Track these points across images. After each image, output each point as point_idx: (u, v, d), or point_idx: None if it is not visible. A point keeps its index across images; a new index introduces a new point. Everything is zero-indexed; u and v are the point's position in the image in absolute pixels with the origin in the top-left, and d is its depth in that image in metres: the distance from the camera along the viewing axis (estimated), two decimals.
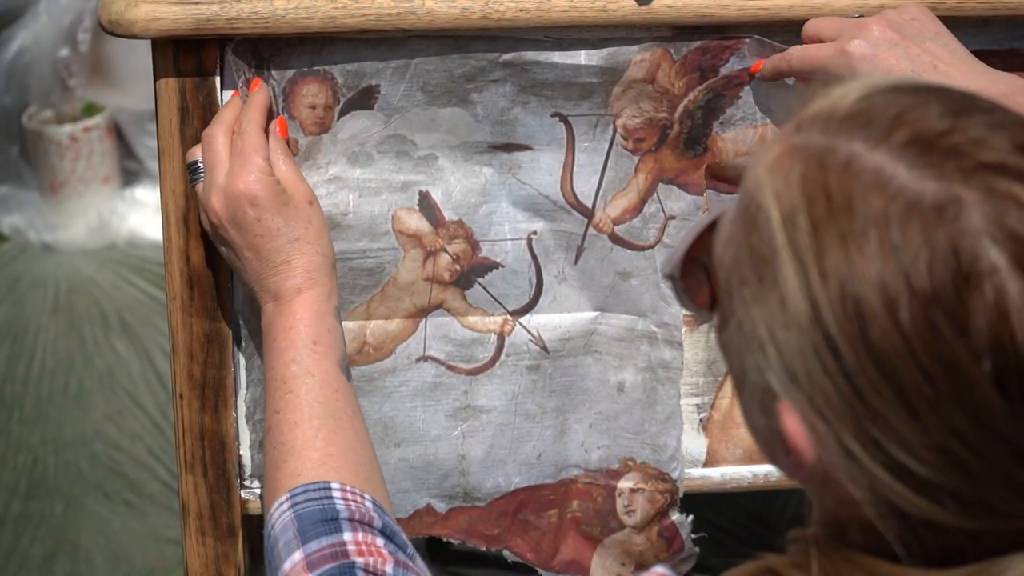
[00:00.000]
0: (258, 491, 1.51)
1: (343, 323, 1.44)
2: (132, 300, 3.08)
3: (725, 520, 2.37)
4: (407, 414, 1.52)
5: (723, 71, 1.46)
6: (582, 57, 1.44)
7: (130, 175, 3.42)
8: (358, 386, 1.49)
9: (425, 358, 1.52)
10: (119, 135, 3.40)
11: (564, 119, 1.47)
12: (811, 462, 0.94)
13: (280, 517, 1.27)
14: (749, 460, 1.57)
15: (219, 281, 1.46)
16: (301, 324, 1.36)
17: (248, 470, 1.51)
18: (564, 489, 1.55)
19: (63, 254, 3.25)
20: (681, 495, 1.56)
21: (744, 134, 1.49)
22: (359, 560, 1.22)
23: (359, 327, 1.50)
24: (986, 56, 1.42)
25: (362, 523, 1.26)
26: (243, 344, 1.49)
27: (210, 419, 1.49)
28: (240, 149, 1.38)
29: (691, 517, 1.57)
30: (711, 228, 1.01)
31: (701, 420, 1.56)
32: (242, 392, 1.49)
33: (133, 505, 2.57)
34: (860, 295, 0.89)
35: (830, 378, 0.90)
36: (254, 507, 1.52)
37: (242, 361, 1.49)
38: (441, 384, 1.52)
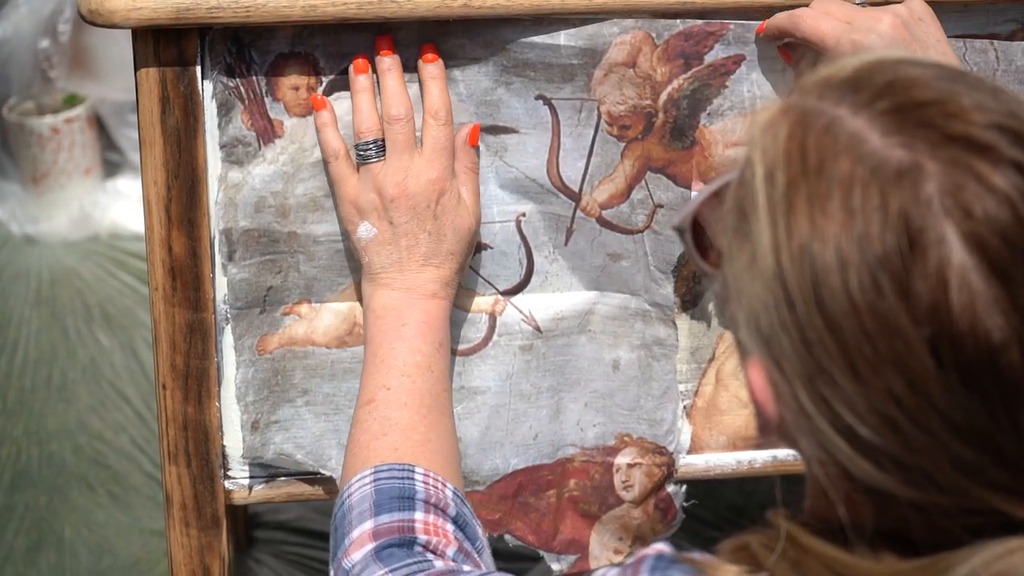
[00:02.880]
0: (244, 482, 1.51)
1: (333, 305, 1.48)
2: (115, 292, 3.07)
3: (709, 513, 2.37)
4: None
5: (708, 59, 1.46)
6: (562, 38, 1.44)
7: (112, 166, 3.41)
8: (350, 367, 1.50)
9: None
10: (100, 126, 3.39)
11: (548, 102, 1.47)
12: (773, 418, 0.96)
13: (360, 488, 1.30)
14: (732, 447, 1.57)
15: (201, 271, 1.46)
16: (435, 324, 1.40)
17: (232, 460, 1.51)
18: (561, 469, 1.55)
19: (45, 246, 3.24)
20: (678, 466, 1.56)
21: (733, 124, 1.48)
22: (422, 537, 1.25)
23: (349, 308, 1.50)
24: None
25: (436, 507, 1.29)
26: (232, 326, 1.48)
27: (193, 409, 1.48)
28: (438, 143, 1.42)
29: (684, 486, 1.56)
30: (726, 188, 1.02)
31: (685, 407, 1.56)
32: (231, 374, 1.49)
33: (117, 496, 2.56)
34: (816, 253, 0.90)
35: (786, 333, 0.92)
36: (238, 497, 1.51)
37: (230, 342, 1.49)
38: None
